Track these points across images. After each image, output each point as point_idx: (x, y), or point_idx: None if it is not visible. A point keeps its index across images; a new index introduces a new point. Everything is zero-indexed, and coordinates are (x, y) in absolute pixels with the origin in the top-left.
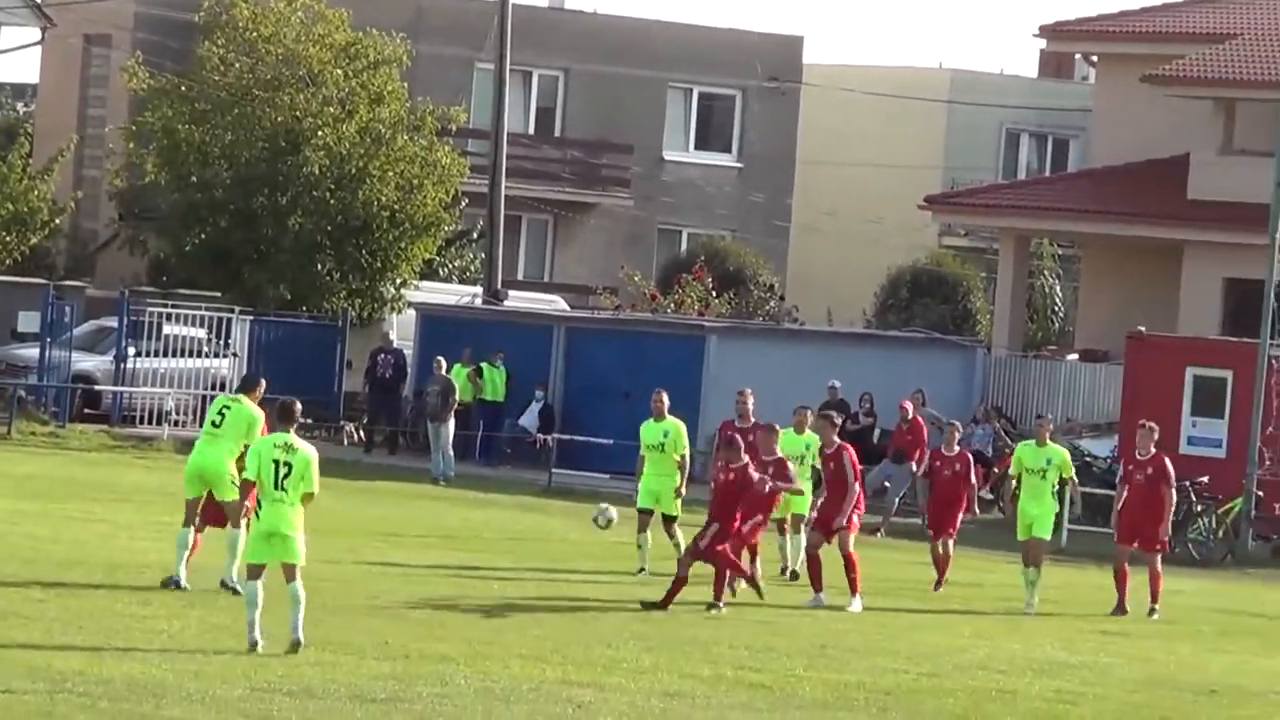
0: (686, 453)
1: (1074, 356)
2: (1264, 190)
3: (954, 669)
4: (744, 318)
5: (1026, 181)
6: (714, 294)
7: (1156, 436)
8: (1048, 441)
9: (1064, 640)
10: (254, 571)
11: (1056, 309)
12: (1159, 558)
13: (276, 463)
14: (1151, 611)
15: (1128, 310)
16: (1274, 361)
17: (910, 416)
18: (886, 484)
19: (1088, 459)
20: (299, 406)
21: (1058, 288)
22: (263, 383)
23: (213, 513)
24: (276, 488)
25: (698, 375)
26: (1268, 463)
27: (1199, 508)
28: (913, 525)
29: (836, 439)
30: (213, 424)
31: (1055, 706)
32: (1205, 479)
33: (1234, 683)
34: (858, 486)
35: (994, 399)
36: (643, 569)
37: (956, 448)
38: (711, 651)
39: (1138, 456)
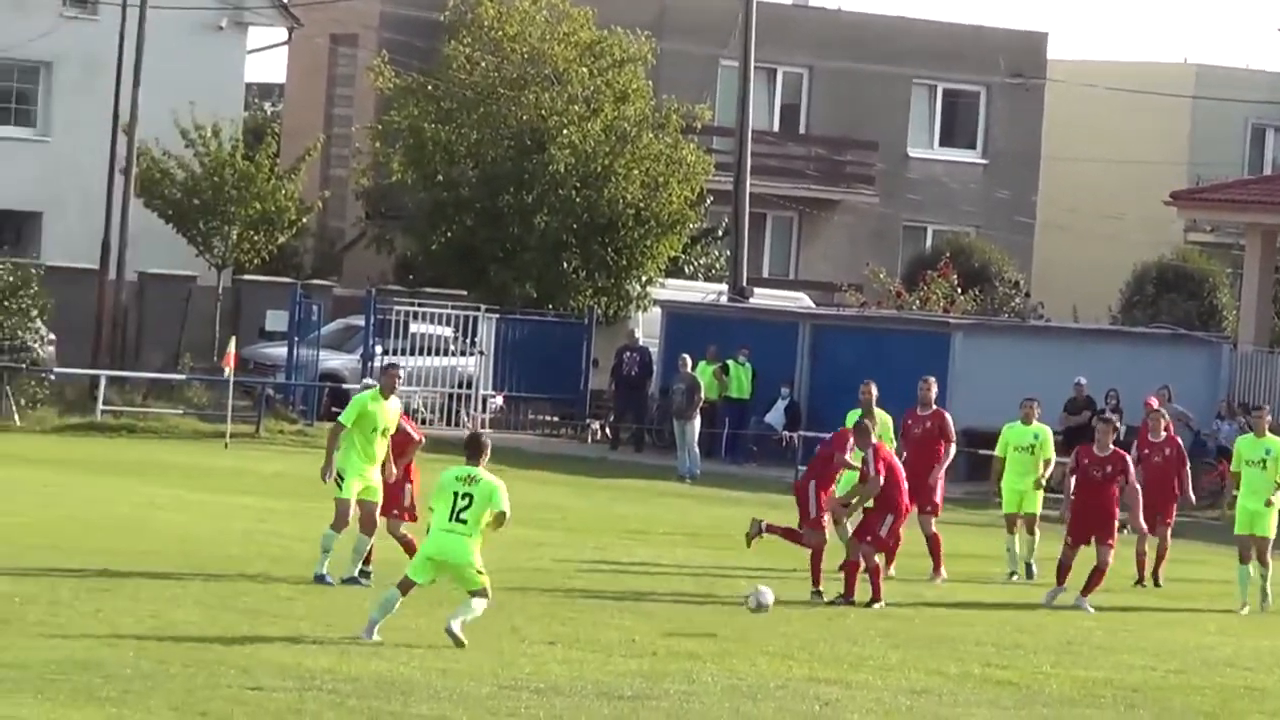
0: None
1: None
2: None
3: (1201, 665)
4: (989, 315)
5: (1273, 176)
6: (959, 291)
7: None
8: (1266, 433)
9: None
10: (405, 586)
11: None
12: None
13: (456, 495)
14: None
15: None
16: None
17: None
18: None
19: None
20: (489, 442)
21: None
22: None
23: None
24: (453, 519)
25: (943, 372)
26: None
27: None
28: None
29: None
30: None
31: (1234, 702)
32: None
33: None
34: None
35: (1240, 395)
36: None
37: (1164, 434)
38: (958, 649)
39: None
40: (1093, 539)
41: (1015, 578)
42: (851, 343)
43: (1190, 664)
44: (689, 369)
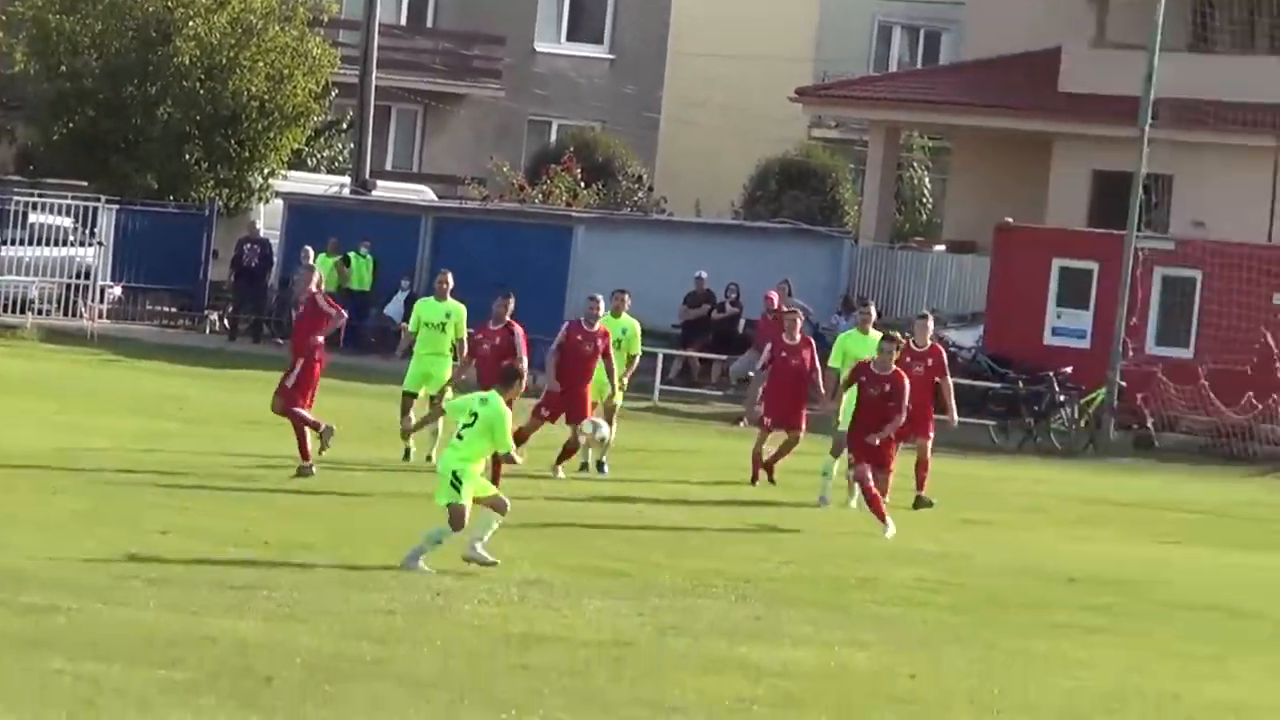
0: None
1: (941, 248)
2: (1134, 83)
3: (816, 558)
4: (612, 209)
5: (897, 74)
6: (582, 185)
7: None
8: (870, 331)
9: (927, 530)
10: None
11: (925, 200)
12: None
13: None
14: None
15: (996, 202)
16: (1140, 253)
17: (776, 307)
18: (751, 374)
19: (953, 349)
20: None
21: (926, 179)
22: None
23: None
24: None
25: (565, 266)
26: (1131, 354)
27: (1062, 398)
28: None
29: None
30: None
31: (917, 594)
32: (1069, 370)
33: (1093, 570)
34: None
35: (860, 290)
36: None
37: (799, 335)
38: (573, 541)
39: (915, 348)
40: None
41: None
42: (474, 236)
43: (804, 556)
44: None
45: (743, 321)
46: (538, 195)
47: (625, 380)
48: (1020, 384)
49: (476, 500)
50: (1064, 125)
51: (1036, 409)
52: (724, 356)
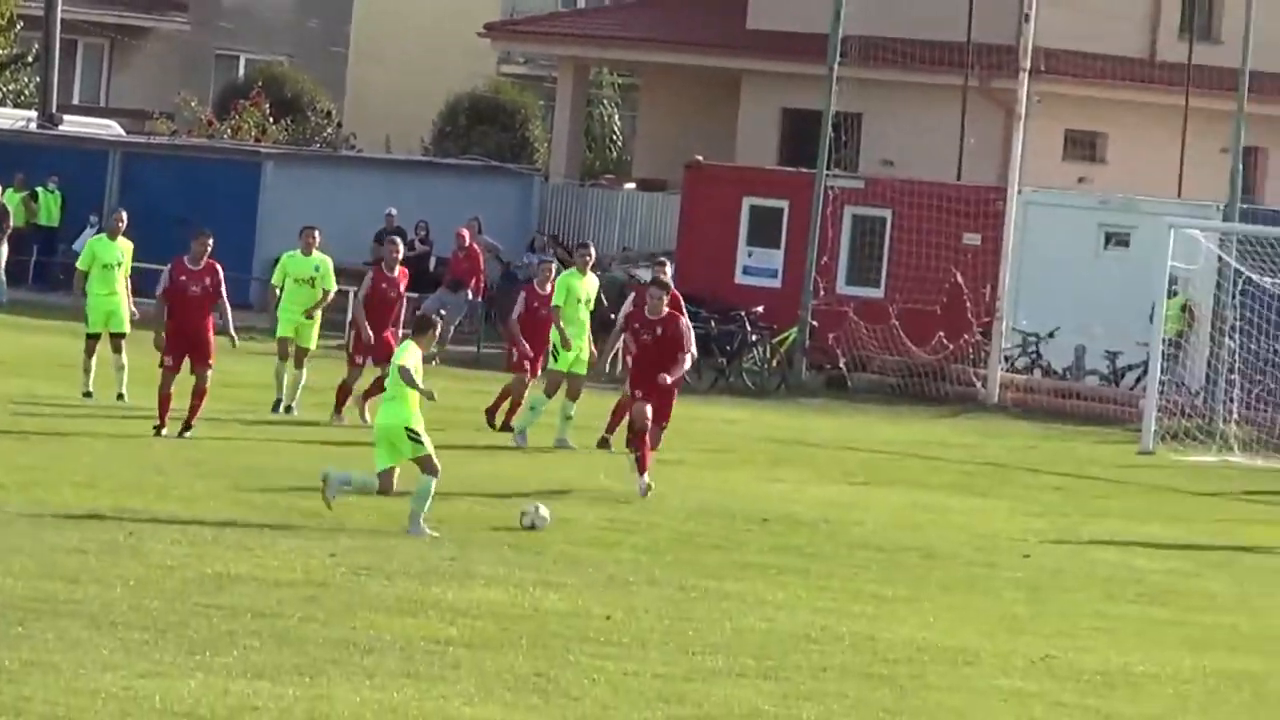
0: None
1: (631, 185)
2: (822, 20)
3: (510, 498)
4: (301, 145)
5: (586, 10)
6: (271, 121)
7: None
8: (589, 272)
9: (618, 470)
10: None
11: (615, 138)
12: None
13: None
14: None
15: (686, 140)
16: (830, 192)
17: (467, 244)
18: (443, 312)
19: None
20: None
21: (616, 117)
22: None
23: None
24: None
25: (254, 202)
26: (822, 293)
27: (754, 338)
28: (467, 353)
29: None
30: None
31: (609, 534)
32: (760, 309)
33: (786, 511)
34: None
35: (551, 227)
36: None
37: (549, 287)
38: (264, 479)
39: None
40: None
41: (283, 407)
42: (162, 171)
43: (495, 496)
44: None
45: (434, 259)
46: (226, 131)
47: (318, 315)
48: (712, 323)
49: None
50: (752, 62)
51: (728, 348)
52: (415, 294)
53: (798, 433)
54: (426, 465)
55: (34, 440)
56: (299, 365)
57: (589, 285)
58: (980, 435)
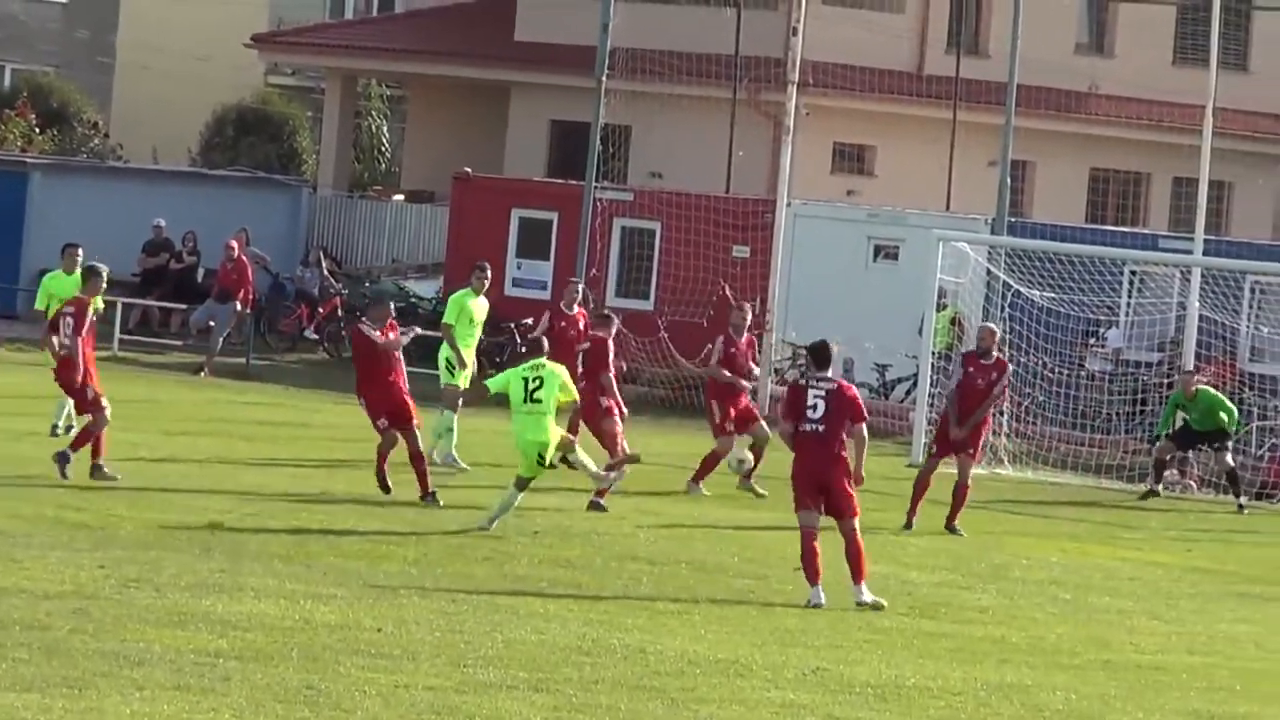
0: None
1: (400, 197)
2: (590, 33)
3: (282, 511)
4: (68, 155)
5: (353, 22)
6: (37, 131)
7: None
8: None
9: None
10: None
11: (384, 150)
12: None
13: (526, 380)
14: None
15: (455, 151)
16: (599, 204)
17: (235, 255)
18: (211, 323)
19: (413, 300)
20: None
21: (385, 128)
22: None
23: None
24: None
25: (20, 212)
26: (592, 305)
27: (523, 349)
28: (236, 365)
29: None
30: None
31: (379, 547)
32: (530, 320)
33: (557, 523)
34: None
35: (320, 239)
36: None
37: (576, 308)
38: (33, 491)
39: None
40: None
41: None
42: None
43: (270, 508)
44: None
45: (201, 270)
46: None
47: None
48: (481, 336)
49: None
50: (521, 74)
51: (498, 360)
52: (184, 306)
53: None
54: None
55: None
56: None
57: (481, 307)
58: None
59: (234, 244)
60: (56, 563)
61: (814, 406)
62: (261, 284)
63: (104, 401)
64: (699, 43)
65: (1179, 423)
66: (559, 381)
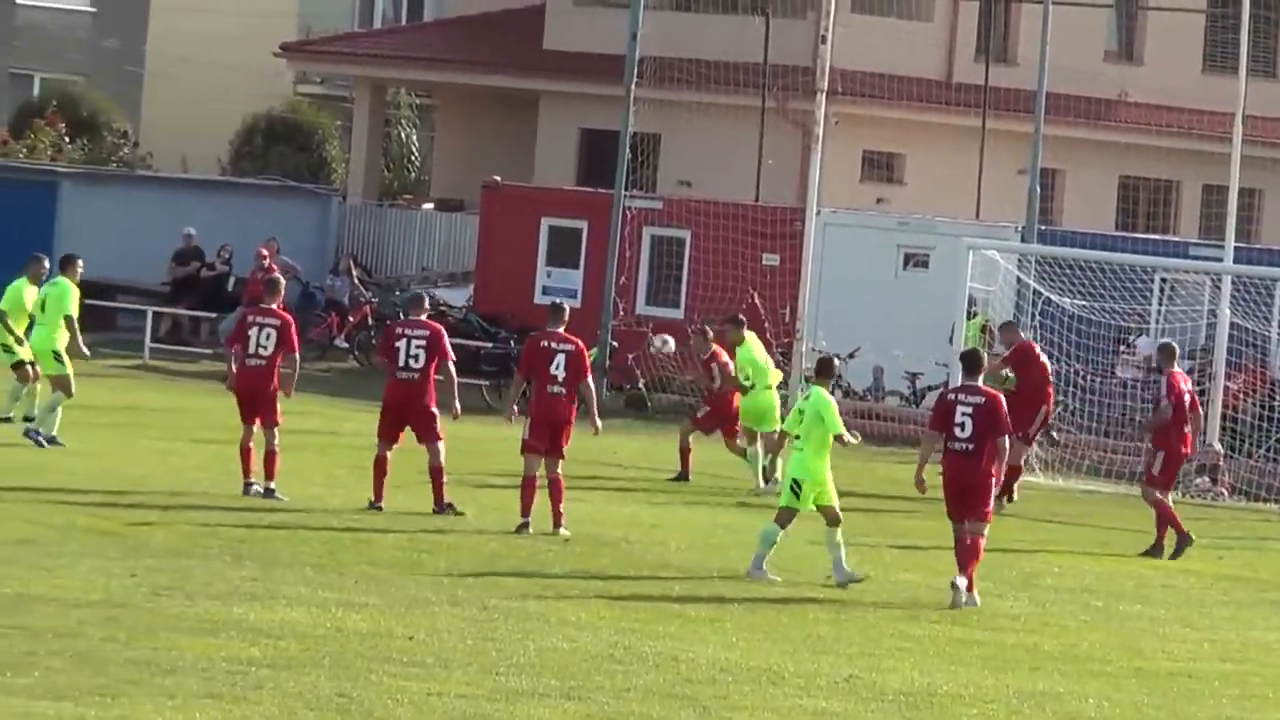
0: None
1: (430, 206)
2: (619, 41)
3: (310, 516)
4: (98, 164)
5: (382, 30)
6: (67, 140)
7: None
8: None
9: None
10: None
11: (413, 158)
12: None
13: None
14: None
15: (484, 160)
16: (628, 212)
17: (266, 264)
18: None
19: (443, 308)
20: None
21: (414, 137)
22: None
23: None
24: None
25: (51, 223)
26: (622, 313)
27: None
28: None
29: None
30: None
31: (410, 555)
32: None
33: (588, 531)
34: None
35: (350, 248)
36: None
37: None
38: (64, 500)
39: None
40: None
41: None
42: None
43: (298, 520)
44: None
45: (233, 279)
46: (21, 150)
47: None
48: (512, 343)
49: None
50: (549, 83)
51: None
52: (214, 314)
53: (599, 453)
54: (831, 516)
55: None
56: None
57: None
58: (780, 456)
59: (265, 252)
60: (88, 571)
61: (961, 425)
62: (292, 293)
63: None
64: (728, 51)
65: None
66: (818, 412)
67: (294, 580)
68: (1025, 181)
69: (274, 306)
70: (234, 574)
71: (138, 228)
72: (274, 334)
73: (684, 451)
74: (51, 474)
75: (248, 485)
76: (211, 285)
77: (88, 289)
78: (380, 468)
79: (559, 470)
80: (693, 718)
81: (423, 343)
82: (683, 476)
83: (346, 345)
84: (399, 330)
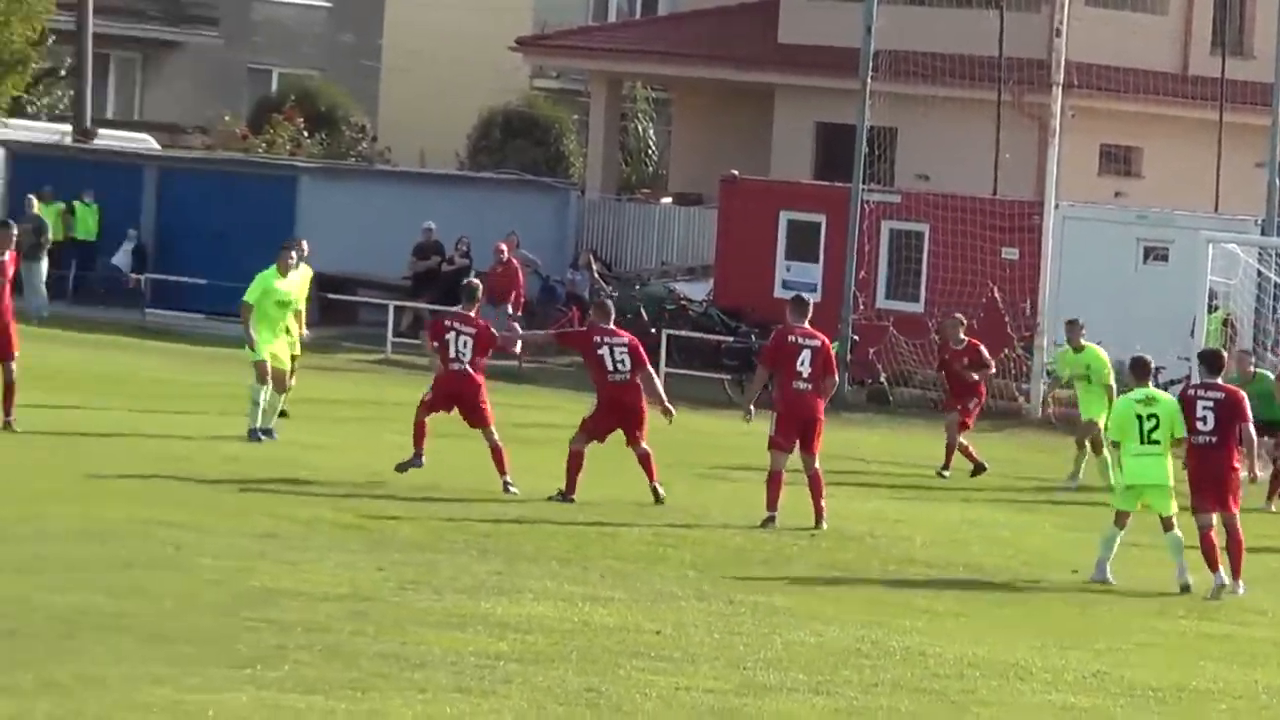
0: None
1: (668, 200)
2: (854, 34)
3: (556, 510)
4: (335, 159)
5: (617, 24)
6: (305, 134)
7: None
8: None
9: (664, 484)
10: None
11: (650, 152)
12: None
13: (1141, 418)
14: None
15: (721, 154)
16: (866, 206)
17: (505, 259)
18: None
19: (683, 302)
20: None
21: (651, 130)
22: None
23: None
24: (1143, 441)
25: (290, 215)
26: (861, 307)
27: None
28: (508, 367)
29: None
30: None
31: (656, 549)
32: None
33: (833, 526)
34: None
35: (589, 242)
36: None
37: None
38: (307, 493)
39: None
40: None
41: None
42: (198, 185)
43: (542, 511)
44: (34, 209)
45: (473, 273)
46: (261, 145)
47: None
48: (753, 337)
49: None
50: (785, 77)
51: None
52: (455, 309)
53: (842, 447)
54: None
55: (83, 454)
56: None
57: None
58: (1024, 450)
59: (504, 247)
60: (334, 565)
61: (1203, 419)
62: (532, 287)
63: None
64: (962, 44)
65: None
66: (1173, 416)
67: (539, 574)
68: (1264, 174)
69: (471, 314)
70: (480, 568)
71: (376, 222)
72: (470, 342)
73: (962, 448)
74: (295, 468)
75: (506, 485)
76: (452, 279)
77: (327, 283)
78: (576, 461)
79: (817, 465)
80: (942, 712)
81: (624, 350)
82: (979, 468)
83: None
84: (597, 339)
